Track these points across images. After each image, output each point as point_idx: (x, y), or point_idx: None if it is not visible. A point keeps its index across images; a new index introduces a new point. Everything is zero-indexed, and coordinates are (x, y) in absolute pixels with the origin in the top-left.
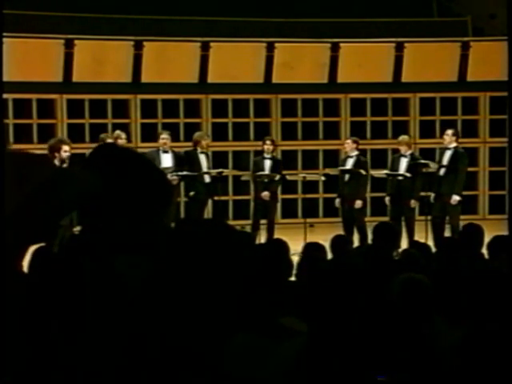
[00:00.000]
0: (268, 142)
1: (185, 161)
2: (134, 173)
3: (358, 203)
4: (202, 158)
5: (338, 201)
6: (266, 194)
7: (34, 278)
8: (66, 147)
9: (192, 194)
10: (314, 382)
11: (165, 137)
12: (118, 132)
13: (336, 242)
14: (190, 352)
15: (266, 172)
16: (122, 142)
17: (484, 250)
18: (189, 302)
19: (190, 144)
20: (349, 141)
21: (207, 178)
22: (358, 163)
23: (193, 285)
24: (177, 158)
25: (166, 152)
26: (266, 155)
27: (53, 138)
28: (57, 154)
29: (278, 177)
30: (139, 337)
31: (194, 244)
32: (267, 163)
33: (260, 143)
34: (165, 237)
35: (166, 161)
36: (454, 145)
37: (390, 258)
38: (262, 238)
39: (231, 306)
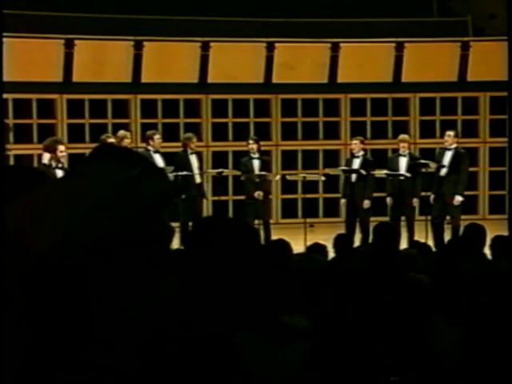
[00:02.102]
0: (251, 142)
1: (176, 162)
2: (137, 171)
3: (366, 203)
4: (193, 159)
5: (343, 201)
6: (259, 194)
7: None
8: (61, 147)
9: (183, 196)
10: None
11: (159, 137)
12: (123, 132)
13: (339, 240)
14: (204, 348)
15: (256, 172)
16: (127, 141)
17: (486, 250)
18: (207, 301)
19: None
20: (356, 141)
21: (198, 179)
22: (366, 163)
23: (214, 284)
24: (166, 158)
25: (156, 152)
26: (252, 155)
27: (48, 139)
28: (53, 155)
29: (278, 176)
30: (154, 333)
31: (215, 243)
32: (255, 163)
33: (260, 143)
34: (166, 235)
35: (159, 161)
36: (454, 145)
37: (399, 257)
38: (260, 239)
39: (243, 305)
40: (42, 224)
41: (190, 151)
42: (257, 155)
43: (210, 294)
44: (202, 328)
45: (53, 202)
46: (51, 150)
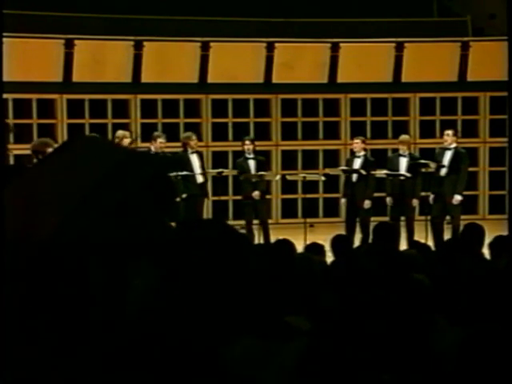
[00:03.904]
0: (247, 142)
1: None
2: (136, 171)
3: (367, 203)
4: (194, 159)
5: (343, 201)
6: (256, 194)
7: (37, 277)
8: (50, 150)
9: (184, 196)
10: (316, 383)
11: (163, 140)
12: (122, 132)
13: (336, 241)
14: (194, 352)
15: (252, 172)
16: (127, 141)
17: (485, 250)
18: (193, 304)
19: None
20: (358, 140)
21: (200, 178)
22: (367, 163)
23: (196, 286)
24: None
25: (157, 153)
26: (247, 155)
27: (36, 140)
28: (41, 157)
29: (278, 176)
30: (144, 338)
31: (196, 245)
32: (251, 163)
33: (260, 143)
34: (166, 236)
35: None
36: (454, 145)
37: (400, 257)
38: (259, 239)
39: (235, 307)
40: (42, 209)
41: (190, 150)
42: (252, 155)
43: (191, 294)
44: (182, 329)
45: (50, 184)
46: (40, 152)
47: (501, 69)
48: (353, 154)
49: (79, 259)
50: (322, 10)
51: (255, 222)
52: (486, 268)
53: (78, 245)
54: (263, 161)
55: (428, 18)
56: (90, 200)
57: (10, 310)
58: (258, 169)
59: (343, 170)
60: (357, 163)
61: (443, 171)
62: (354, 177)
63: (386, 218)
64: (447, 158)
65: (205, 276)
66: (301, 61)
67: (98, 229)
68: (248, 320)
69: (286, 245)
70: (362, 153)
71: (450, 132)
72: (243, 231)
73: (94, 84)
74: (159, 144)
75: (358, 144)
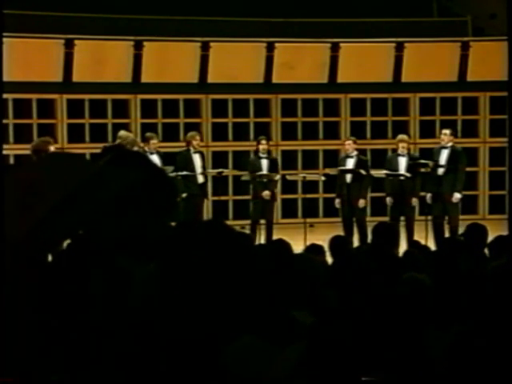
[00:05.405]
0: (263, 142)
1: (177, 162)
2: (139, 173)
3: (362, 202)
4: (196, 158)
5: (338, 201)
6: (267, 194)
7: (40, 276)
8: (52, 148)
9: (185, 195)
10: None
11: (156, 141)
12: (127, 133)
13: (334, 242)
14: (193, 351)
15: (264, 172)
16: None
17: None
18: (192, 303)
19: None
20: (350, 141)
21: (201, 178)
22: (360, 163)
23: (194, 286)
24: (162, 158)
25: (153, 154)
26: (261, 155)
27: (37, 139)
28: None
29: (278, 176)
30: (143, 337)
31: (195, 246)
32: (264, 163)
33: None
34: (167, 237)
35: (155, 162)
36: (450, 144)
37: (395, 257)
38: (261, 239)
39: (233, 306)
40: (18, 213)
41: (192, 150)
42: (265, 155)
43: (192, 294)
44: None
45: (26, 192)
46: (43, 151)
47: (501, 69)
48: (346, 155)
49: (76, 258)
50: (322, 10)
51: (262, 221)
52: (486, 268)
53: (53, 245)
54: (276, 160)
55: (428, 18)
56: (73, 199)
57: (10, 309)
58: (270, 168)
59: (342, 170)
60: (350, 163)
61: (441, 170)
62: (348, 177)
63: (386, 218)
64: (444, 156)
65: (205, 276)
66: (301, 61)
67: (90, 227)
68: (250, 318)
69: (282, 244)
70: (355, 153)
71: (447, 131)
72: (245, 231)
73: (94, 84)
74: (152, 145)
75: (350, 145)
